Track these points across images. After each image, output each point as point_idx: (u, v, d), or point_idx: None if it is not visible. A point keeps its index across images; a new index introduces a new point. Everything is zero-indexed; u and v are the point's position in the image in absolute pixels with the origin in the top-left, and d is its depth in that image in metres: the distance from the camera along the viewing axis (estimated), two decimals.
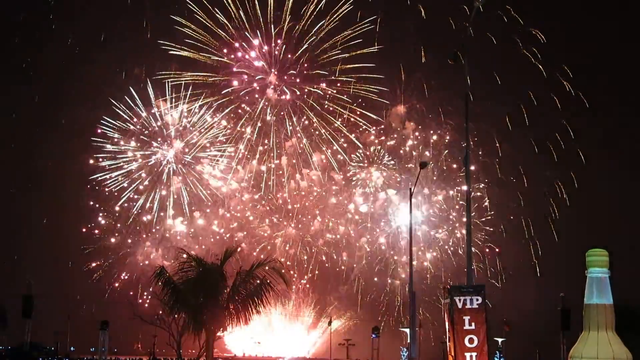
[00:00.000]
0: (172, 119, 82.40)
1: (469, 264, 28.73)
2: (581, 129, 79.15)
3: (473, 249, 76.11)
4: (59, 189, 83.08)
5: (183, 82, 80.00)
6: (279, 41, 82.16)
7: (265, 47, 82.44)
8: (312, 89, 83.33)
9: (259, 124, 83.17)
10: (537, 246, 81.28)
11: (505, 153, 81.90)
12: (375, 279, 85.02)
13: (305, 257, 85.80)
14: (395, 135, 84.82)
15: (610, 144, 79.84)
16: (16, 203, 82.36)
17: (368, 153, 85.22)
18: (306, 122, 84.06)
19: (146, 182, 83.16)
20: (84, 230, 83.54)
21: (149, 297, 74.51)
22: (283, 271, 30.69)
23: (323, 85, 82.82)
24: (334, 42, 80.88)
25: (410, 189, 36.68)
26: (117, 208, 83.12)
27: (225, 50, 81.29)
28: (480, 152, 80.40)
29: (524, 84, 79.62)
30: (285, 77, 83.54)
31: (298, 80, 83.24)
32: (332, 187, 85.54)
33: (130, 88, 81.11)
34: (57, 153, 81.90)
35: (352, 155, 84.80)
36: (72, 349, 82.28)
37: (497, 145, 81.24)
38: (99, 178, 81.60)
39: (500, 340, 66.50)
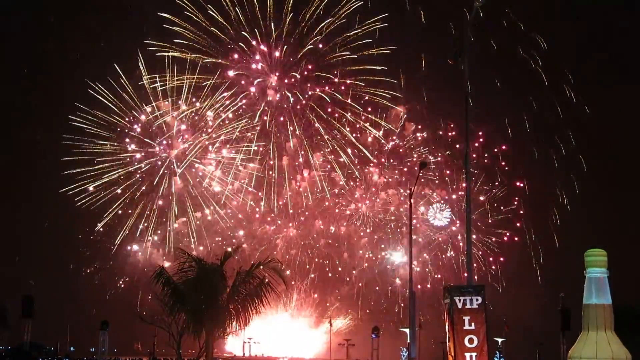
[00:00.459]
0: (172, 120, 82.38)
1: (469, 264, 28.78)
2: (581, 133, 79.54)
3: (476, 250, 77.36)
4: (59, 189, 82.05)
5: (175, 84, 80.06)
6: (279, 42, 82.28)
7: (263, 47, 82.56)
8: (314, 92, 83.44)
9: (258, 127, 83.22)
10: (539, 250, 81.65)
11: (506, 157, 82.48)
12: (376, 278, 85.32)
13: (307, 258, 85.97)
14: (401, 143, 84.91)
15: (611, 148, 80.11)
16: (16, 203, 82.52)
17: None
18: (308, 124, 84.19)
19: (144, 187, 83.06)
20: (86, 229, 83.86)
21: (150, 297, 74.59)
22: (283, 270, 30.71)
23: (326, 88, 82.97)
24: (335, 44, 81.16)
25: (410, 189, 36.71)
26: (119, 212, 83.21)
27: (223, 51, 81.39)
28: (481, 157, 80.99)
29: (524, 88, 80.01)
30: (287, 80, 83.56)
31: (299, 81, 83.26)
32: (332, 187, 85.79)
33: (131, 91, 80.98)
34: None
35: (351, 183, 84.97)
36: (72, 349, 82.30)
37: (499, 149, 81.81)
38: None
39: (500, 340, 66.55)
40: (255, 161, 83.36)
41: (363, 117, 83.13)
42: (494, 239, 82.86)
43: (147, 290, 75.23)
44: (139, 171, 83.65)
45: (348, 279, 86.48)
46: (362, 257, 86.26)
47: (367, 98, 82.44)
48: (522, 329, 70.23)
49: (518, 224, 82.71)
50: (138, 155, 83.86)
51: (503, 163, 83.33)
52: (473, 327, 23.64)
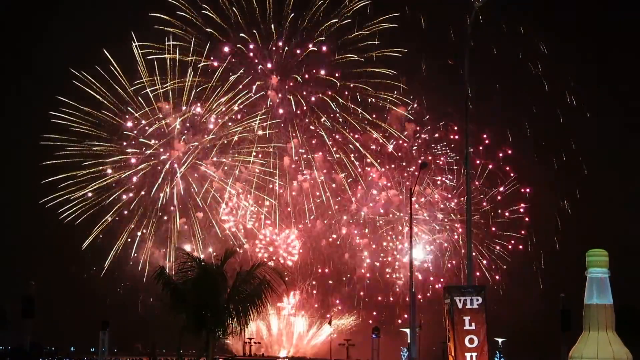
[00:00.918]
0: (173, 120, 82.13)
1: (469, 264, 28.77)
2: (581, 136, 79.71)
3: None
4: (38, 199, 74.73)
5: (175, 87, 79.61)
6: (279, 44, 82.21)
7: (263, 48, 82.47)
8: (315, 94, 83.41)
9: (258, 128, 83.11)
10: (540, 251, 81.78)
11: (507, 161, 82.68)
12: (378, 277, 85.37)
13: (308, 258, 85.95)
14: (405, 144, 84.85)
15: (611, 152, 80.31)
16: (16, 203, 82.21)
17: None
18: (309, 126, 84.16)
19: (143, 191, 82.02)
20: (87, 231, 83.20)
21: (150, 297, 74.56)
22: (283, 271, 30.73)
23: (328, 90, 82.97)
24: (337, 46, 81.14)
25: (411, 189, 36.73)
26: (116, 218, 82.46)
27: (222, 52, 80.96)
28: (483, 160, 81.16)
29: (524, 92, 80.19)
30: (287, 82, 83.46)
31: (300, 83, 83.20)
32: (333, 188, 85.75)
33: (135, 95, 78.21)
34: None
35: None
36: (72, 349, 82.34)
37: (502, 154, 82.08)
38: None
39: (500, 340, 66.65)
40: (256, 163, 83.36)
41: (365, 121, 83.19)
42: (498, 248, 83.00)
43: (147, 290, 75.40)
44: (136, 175, 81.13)
45: (346, 277, 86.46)
46: (363, 258, 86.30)
47: (371, 100, 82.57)
48: (522, 329, 70.31)
49: (523, 232, 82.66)
50: (134, 160, 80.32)
51: (507, 168, 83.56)
52: (473, 327, 23.65)
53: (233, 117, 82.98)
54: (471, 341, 23.54)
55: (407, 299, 48.65)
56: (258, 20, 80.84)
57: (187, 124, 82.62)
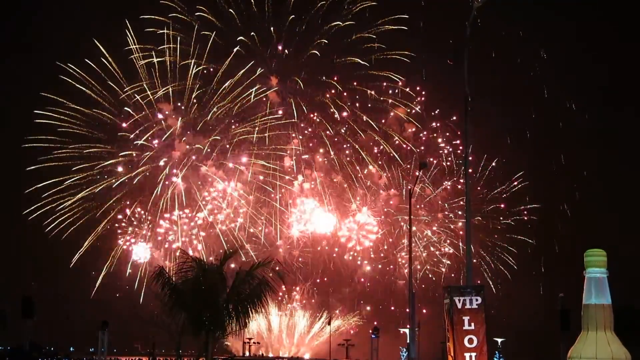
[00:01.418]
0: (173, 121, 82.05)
1: (468, 264, 28.80)
2: (581, 136, 79.82)
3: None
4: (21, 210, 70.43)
5: (176, 89, 79.46)
6: (279, 47, 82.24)
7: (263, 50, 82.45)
8: (316, 95, 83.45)
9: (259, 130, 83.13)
10: (539, 252, 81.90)
11: (507, 165, 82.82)
12: (378, 277, 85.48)
13: (309, 259, 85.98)
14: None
15: (611, 152, 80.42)
16: (16, 203, 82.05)
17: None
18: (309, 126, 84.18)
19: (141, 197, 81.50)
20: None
21: (149, 297, 74.47)
22: (283, 271, 30.76)
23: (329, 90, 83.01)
24: (338, 47, 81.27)
25: (410, 189, 36.77)
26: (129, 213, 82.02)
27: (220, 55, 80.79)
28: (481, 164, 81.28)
29: (523, 96, 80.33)
30: (288, 84, 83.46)
31: (300, 85, 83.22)
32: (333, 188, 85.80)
33: (120, 76, 73.92)
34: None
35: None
36: (71, 349, 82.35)
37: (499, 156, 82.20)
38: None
39: (499, 340, 66.69)
40: (257, 164, 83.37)
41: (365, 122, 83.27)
42: (498, 248, 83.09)
43: (147, 290, 75.40)
44: (135, 177, 79.64)
45: (346, 277, 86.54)
46: (364, 258, 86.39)
47: (371, 101, 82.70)
48: (521, 330, 70.34)
49: (531, 240, 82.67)
50: (131, 163, 77.41)
51: (507, 169, 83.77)
52: (473, 327, 23.66)
53: (233, 119, 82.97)
54: (470, 341, 23.56)
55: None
56: (257, 22, 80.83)
57: (187, 126, 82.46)
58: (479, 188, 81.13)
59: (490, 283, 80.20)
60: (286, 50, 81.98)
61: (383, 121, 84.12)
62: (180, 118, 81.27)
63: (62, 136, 67.62)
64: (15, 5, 62.63)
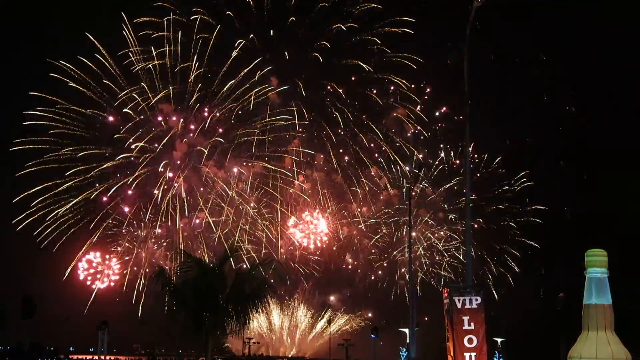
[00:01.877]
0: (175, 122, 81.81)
1: (468, 265, 28.77)
2: (581, 137, 79.86)
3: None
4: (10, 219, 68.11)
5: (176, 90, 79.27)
6: (279, 49, 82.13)
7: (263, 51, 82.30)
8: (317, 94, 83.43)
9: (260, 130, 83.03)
10: (540, 252, 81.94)
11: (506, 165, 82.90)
12: (379, 278, 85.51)
13: (310, 259, 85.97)
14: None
15: (611, 153, 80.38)
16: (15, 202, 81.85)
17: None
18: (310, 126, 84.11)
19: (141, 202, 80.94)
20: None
21: (150, 297, 74.36)
22: (283, 271, 30.80)
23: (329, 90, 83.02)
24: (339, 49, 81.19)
25: (410, 189, 36.76)
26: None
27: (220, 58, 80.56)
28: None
29: (523, 99, 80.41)
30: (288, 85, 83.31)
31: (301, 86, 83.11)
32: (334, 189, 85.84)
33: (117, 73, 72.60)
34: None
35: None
36: (71, 349, 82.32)
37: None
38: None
39: (499, 340, 66.68)
40: (258, 164, 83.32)
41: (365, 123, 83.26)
42: (499, 249, 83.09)
43: (147, 290, 75.34)
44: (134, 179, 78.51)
45: (347, 277, 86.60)
46: (365, 258, 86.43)
47: (372, 102, 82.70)
48: (521, 330, 70.33)
49: (534, 244, 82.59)
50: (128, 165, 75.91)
51: (507, 171, 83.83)
52: (472, 327, 23.63)
53: (233, 121, 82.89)
54: (470, 341, 23.53)
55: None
56: (257, 24, 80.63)
57: (187, 128, 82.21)
58: (479, 189, 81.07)
59: (493, 290, 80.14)
60: (286, 53, 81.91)
61: (384, 122, 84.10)
62: (180, 120, 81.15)
63: (55, 138, 64.27)
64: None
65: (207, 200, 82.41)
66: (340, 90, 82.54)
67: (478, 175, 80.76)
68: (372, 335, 60.14)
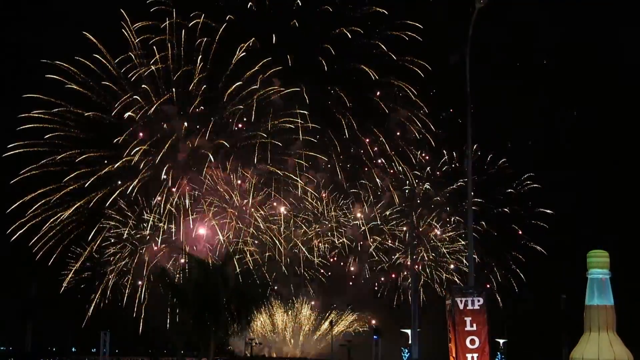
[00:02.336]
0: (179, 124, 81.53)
1: (470, 265, 28.78)
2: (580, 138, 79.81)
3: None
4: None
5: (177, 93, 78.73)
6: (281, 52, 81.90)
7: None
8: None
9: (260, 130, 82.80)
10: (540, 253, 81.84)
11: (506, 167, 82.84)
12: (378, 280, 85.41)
13: (311, 259, 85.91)
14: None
15: (610, 154, 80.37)
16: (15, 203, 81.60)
17: None
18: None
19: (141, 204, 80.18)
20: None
21: (151, 297, 74.30)
22: (284, 271, 30.85)
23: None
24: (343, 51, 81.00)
25: (411, 189, 36.82)
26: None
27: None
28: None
29: (524, 101, 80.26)
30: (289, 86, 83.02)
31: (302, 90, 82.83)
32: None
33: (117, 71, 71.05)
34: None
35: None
36: (73, 349, 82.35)
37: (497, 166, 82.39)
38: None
39: (501, 341, 66.61)
40: (262, 167, 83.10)
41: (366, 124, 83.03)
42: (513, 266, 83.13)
43: (149, 290, 75.26)
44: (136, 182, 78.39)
45: (348, 278, 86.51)
46: (366, 259, 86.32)
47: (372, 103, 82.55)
48: (523, 330, 70.26)
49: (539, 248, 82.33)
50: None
51: (506, 172, 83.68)
52: (474, 328, 23.60)
53: (236, 123, 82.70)
54: (472, 342, 23.50)
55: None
56: (257, 26, 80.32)
57: (191, 130, 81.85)
58: (481, 191, 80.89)
59: (499, 299, 79.96)
60: (289, 57, 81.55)
61: (386, 124, 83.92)
62: (184, 122, 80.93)
63: (53, 142, 62.38)
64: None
65: (211, 203, 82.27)
66: (342, 95, 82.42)
67: (480, 177, 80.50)
68: (375, 337, 60.13)
